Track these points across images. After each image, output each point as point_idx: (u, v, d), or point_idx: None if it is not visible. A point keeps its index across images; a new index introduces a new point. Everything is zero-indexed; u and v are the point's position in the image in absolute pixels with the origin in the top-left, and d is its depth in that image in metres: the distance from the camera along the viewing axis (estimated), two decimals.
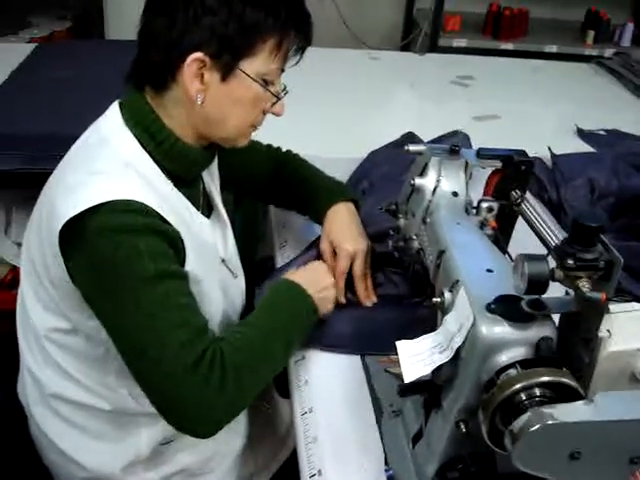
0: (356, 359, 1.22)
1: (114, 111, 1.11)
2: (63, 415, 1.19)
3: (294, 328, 1.15)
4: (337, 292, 1.28)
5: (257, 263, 1.87)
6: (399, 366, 0.92)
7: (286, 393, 1.27)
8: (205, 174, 1.26)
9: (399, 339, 1.20)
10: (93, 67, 2.21)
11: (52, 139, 1.72)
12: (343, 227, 1.33)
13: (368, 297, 1.32)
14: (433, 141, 1.80)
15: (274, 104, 1.14)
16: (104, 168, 1.03)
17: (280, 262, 1.46)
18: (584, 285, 0.78)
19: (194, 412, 1.00)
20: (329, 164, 1.50)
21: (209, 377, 0.99)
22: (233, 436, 1.30)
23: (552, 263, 0.82)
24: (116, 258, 0.98)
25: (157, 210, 1.02)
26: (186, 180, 1.16)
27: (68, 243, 1.01)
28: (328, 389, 1.16)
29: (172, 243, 1.04)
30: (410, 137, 1.87)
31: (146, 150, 1.08)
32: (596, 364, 0.82)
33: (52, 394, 1.18)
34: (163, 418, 1.02)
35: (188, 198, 1.15)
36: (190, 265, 1.08)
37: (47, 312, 1.13)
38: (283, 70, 1.13)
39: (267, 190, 1.50)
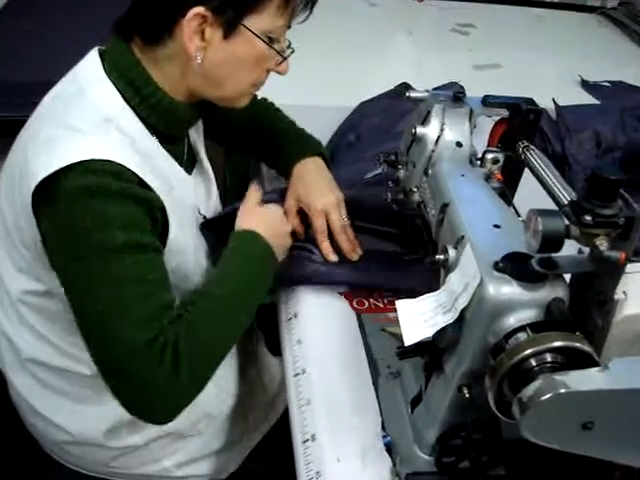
0: (352, 317, 1.17)
1: (94, 60, 1.02)
2: (42, 379, 1.14)
3: (257, 284, 1.08)
4: (324, 252, 1.23)
5: None
6: (397, 325, 0.86)
7: (277, 351, 1.22)
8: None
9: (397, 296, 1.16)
10: (81, 11, 2.10)
11: (37, 86, 1.65)
12: (309, 184, 1.26)
13: (353, 250, 1.25)
14: None
15: (279, 63, 1.07)
16: (81, 124, 0.95)
17: None
18: (602, 243, 0.72)
19: (145, 395, 0.94)
20: (321, 113, 1.43)
21: (162, 359, 0.92)
22: (223, 396, 1.26)
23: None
24: (85, 223, 0.91)
25: (137, 172, 0.94)
26: (172, 137, 1.09)
27: (41, 204, 0.94)
28: (322, 349, 1.10)
29: (149, 210, 0.96)
30: (405, 88, 1.78)
31: (129, 105, 1.00)
32: (610, 327, 0.77)
33: (29, 358, 1.13)
34: (115, 398, 0.95)
35: (172, 155, 1.08)
36: (173, 232, 1.02)
37: (21, 274, 1.07)
38: (289, 26, 1.06)
39: (241, 141, 1.43)
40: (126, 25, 1.02)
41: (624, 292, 0.76)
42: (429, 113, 1.05)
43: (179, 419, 1.15)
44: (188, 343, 0.94)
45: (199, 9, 0.95)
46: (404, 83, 1.79)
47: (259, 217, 1.15)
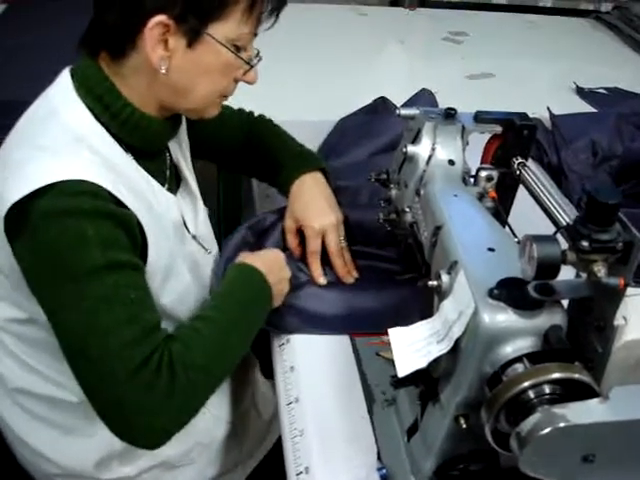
0: (345, 343, 1.13)
1: (65, 79, 1.00)
2: (29, 409, 1.11)
3: (254, 318, 1.06)
4: (314, 274, 1.21)
5: None
6: (392, 349, 0.83)
7: (272, 375, 1.19)
8: (172, 143, 1.16)
9: (393, 319, 1.13)
10: (65, 28, 2.08)
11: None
12: (308, 202, 1.24)
13: (348, 273, 1.23)
14: (404, 105, 1.66)
15: (247, 72, 1.04)
16: (52, 144, 0.93)
17: None
18: (599, 270, 0.70)
19: (136, 421, 0.90)
20: (313, 127, 1.40)
21: (155, 382, 0.89)
22: (216, 423, 1.23)
23: (562, 241, 0.73)
24: (60, 244, 0.88)
25: (113, 192, 0.92)
26: (148, 153, 1.06)
27: (14, 228, 0.91)
28: (315, 376, 1.07)
29: (127, 228, 0.93)
30: (382, 103, 1.74)
31: (100, 122, 0.97)
32: (610, 354, 0.74)
33: (15, 388, 1.11)
34: (105, 426, 0.92)
35: (151, 173, 1.05)
36: (153, 251, 0.99)
37: (1, 302, 1.04)
38: (256, 34, 1.03)
39: (237, 159, 1.40)
40: (90, 40, 1.00)
41: (624, 317, 0.73)
42: (420, 131, 1.03)
43: (171, 448, 1.12)
44: (185, 364, 0.92)
45: (161, 18, 0.92)
46: (381, 97, 1.75)
47: (260, 259, 1.11)
